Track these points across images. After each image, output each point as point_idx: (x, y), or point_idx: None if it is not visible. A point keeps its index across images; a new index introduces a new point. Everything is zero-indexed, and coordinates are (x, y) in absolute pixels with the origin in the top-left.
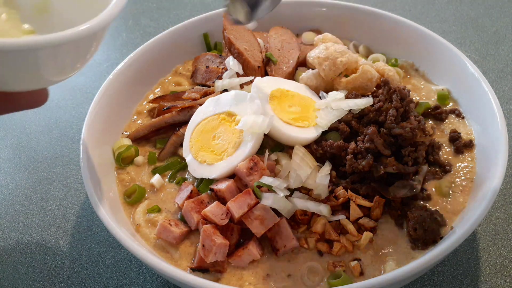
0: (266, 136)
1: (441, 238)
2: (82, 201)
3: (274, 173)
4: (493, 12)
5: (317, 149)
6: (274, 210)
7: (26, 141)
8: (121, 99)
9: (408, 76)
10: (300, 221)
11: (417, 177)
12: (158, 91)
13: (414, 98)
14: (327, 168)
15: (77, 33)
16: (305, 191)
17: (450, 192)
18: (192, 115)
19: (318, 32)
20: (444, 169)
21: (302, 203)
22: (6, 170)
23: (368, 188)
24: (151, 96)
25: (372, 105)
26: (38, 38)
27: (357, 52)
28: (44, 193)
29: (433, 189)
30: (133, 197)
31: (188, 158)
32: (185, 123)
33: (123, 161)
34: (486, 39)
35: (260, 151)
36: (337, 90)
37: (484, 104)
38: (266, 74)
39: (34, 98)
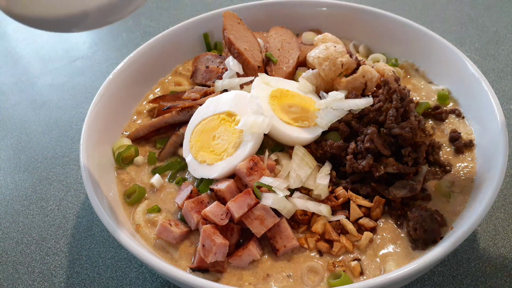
0: (266, 136)
1: (441, 238)
2: (82, 201)
3: (274, 173)
4: (493, 12)
5: (317, 149)
6: (274, 210)
7: (26, 141)
8: (121, 99)
9: (408, 76)
10: (300, 221)
11: (417, 177)
12: (158, 91)
13: (414, 98)
14: (327, 168)
15: None
16: (305, 191)
17: (450, 192)
18: (192, 115)
19: (318, 32)
20: (444, 169)
21: (302, 203)
22: (6, 170)
23: (368, 188)
24: (151, 96)
25: (372, 105)
26: None
27: (357, 52)
28: (44, 193)
29: (433, 189)
30: (133, 197)
31: (188, 158)
32: (185, 123)
33: (123, 161)
34: (486, 39)
35: (260, 151)
36: (337, 90)
37: (484, 104)
38: (266, 74)
39: None
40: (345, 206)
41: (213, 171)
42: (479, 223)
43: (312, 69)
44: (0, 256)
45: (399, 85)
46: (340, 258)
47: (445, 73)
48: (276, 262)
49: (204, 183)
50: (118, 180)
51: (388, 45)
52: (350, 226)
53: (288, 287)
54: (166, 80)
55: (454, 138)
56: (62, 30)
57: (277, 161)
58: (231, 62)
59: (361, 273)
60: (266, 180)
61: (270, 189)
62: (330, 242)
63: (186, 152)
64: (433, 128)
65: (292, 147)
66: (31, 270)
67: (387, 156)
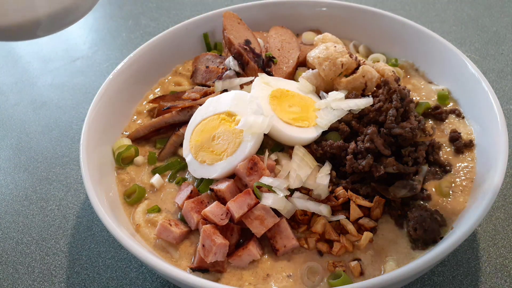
0: (266, 136)
1: (441, 238)
2: (82, 201)
3: (274, 173)
4: (493, 12)
5: (317, 149)
6: (274, 210)
7: (26, 141)
8: (121, 99)
9: (408, 76)
10: (300, 221)
11: (417, 177)
12: (158, 91)
13: (414, 98)
14: (327, 168)
15: None
16: (305, 191)
17: (450, 192)
18: (192, 115)
19: (318, 32)
20: (444, 169)
21: (302, 203)
22: (6, 170)
23: (368, 188)
24: (151, 96)
25: (372, 105)
26: None
27: (357, 52)
28: (44, 193)
29: (433, 189)
30: (133, 197)
31: (188, 158)
32: (185, 123)
33: (123, 161)
34: (486, 39)
35: (260, 151)
36: (337, 90)
37: (484, 104)
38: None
39: None
40: (345, 206)
41: (213, 171)
42: (479, 223)
43: (312, 69)
44: (0, 256)
45: (399, 85)
46: (340, 258)
47: (445, 73)
48: (276, 262)
49: (204, 183)
50: (118, 180)
51: (388, 45)
52: (350, 226)
53: (288, 287)
54: (166, 80)
55: (454, 138)
56: (20, 38)
57: (277, 161)
58: (231, 62)
59: (361, 273)
60: (266, 180)
61: (270, 189)
62: (330, 242)
63: (186, 152)
64: (433, 128)
65: (292, 147)
66: (31, 270)
67: (387, 156)
